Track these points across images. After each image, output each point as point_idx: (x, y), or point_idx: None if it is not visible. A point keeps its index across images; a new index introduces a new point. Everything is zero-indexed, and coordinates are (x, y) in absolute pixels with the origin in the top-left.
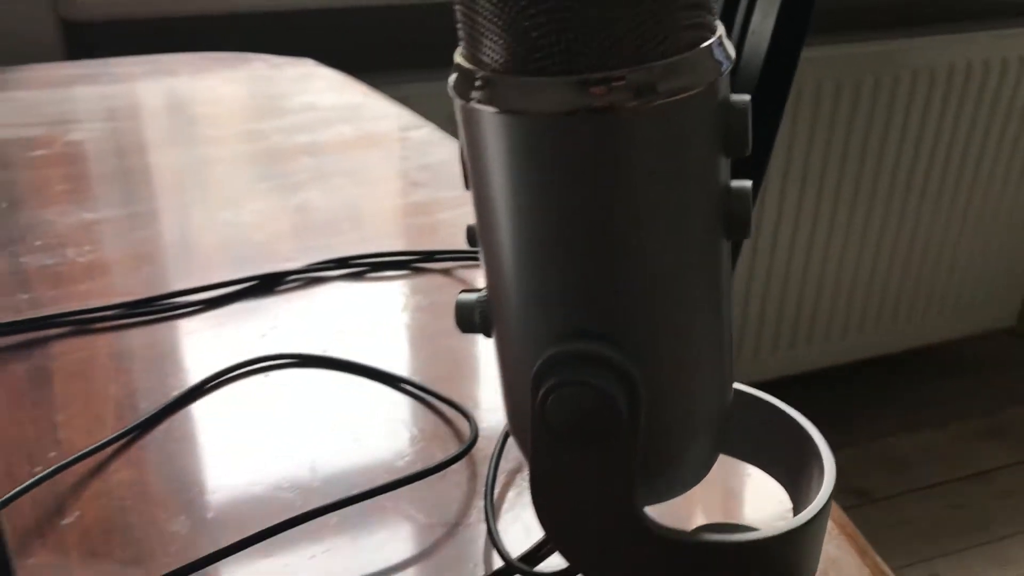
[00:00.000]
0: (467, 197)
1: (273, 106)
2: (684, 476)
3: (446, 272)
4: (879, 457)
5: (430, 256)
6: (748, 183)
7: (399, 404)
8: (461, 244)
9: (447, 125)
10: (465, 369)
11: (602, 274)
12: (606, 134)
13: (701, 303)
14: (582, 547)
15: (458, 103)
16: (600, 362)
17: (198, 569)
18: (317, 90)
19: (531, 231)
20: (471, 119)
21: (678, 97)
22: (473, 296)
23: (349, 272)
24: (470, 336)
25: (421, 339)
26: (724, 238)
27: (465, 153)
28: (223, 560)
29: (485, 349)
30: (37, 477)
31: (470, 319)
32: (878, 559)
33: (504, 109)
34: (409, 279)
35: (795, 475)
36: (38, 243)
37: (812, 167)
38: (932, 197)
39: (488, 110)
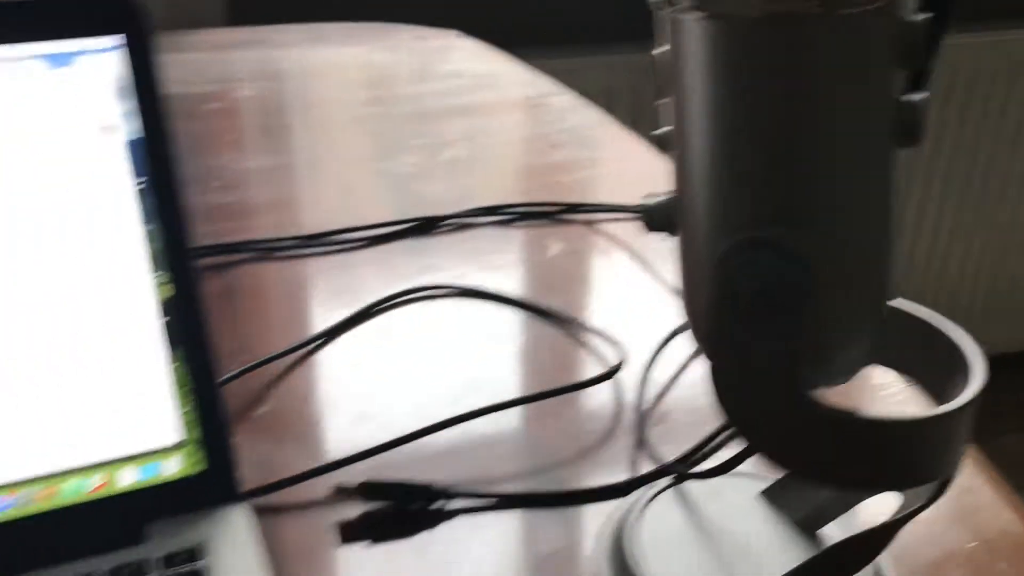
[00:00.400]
0: (603, 158)
1: (422, 72)
2: (842, 366)
3: (588, 224)
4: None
5: (574, 208)
6: (921, 95)
7: (549, 334)
8: (602, 200)
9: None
10: (609, 307)
11: (786, 167)
12: (795, 39)
13: (873, 202)
14: (755, 425)
15: (664, 13)
16: (780, 246)
17: (370, 456)
18: (461, 59)
19: (724, 127)
20: (675, 27)
21: (864, 8)
22: (658, 199)
23: (498, 219)
24: (613, 277)
25: (567, 280)
26: (896, 145)
27: (662, 63)
28: (392, 450)
29: (628, 287)
30: (238, 371)
31: (655, 219)
32: (1010, 490)
33: (708, 14)
34: (553, 228)
35: (942, 382)
36: (216, 184)
37: (943, 158)
38: None
39: (692, 17)
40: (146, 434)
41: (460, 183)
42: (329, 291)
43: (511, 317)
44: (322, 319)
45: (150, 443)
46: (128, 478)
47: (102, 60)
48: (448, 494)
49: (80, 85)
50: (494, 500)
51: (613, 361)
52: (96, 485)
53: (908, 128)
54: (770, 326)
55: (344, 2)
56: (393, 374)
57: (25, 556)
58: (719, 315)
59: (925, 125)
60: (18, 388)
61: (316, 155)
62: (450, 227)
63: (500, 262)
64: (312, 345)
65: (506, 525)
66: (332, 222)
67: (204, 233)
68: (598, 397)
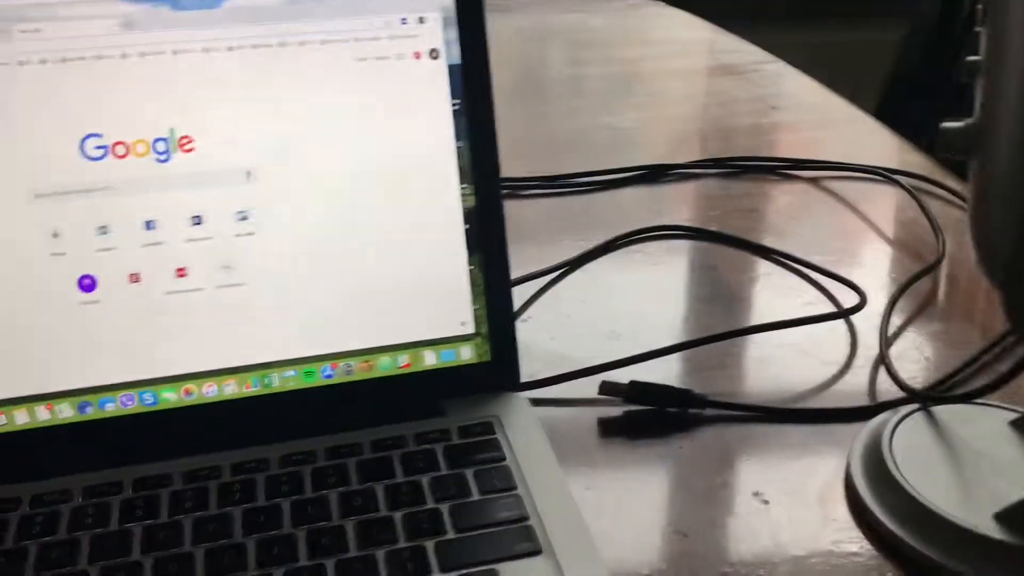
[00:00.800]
0: (822, 120)
1: (635, 38)
2: None
3: (812, 180)
4: None
5: (798, 164)
6: None
7: (784, 276)
8: (823, 157)
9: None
10: (841, 255)
11: None
12: None
13: None
14: None
15: None
16: None
17: (629, 364)
18: (671, 26)
19: None
20: None
21: None
22: (959, 123)
23: (723, 171)
24: (841, 228)
25: (797, 228)
26: None
27: None
28: (646, 361)
29: (858, 239)
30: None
31: (954, 141)
32: None
33: None
34: (776, 183)
35: None
36: None
37: None
38: None
39: None
40: (445, 324)
41: (684, 138)
42: (572, 226)
43: (745, 259)
44: (567, 250)
45: (448, 332)
46: (429, 360)
47: None
48: (706, 402)
49: (415, 11)
50: (747, 412)
51: (847, 304)
52: (404, 363)
53: None
54: None
55: None
56: (638, 300)
57: (348, 417)
58: None
59: None
60: (345, 276)
61: (546, 109)
62: (677, 176)
63: (727, 210)
64: (564, 269)
65: (757, 435)
66: (567, 167)
67: None
68: (837, 333)
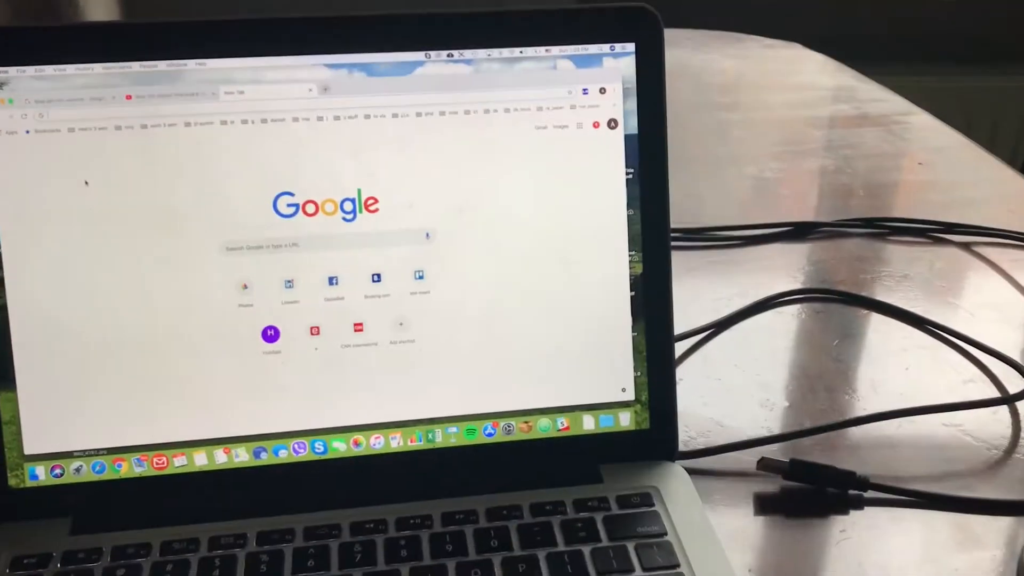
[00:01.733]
0: (972, 180)
1: (772, 82)
2: None
3: (964, 246)
4: None
5: (950, 228)
6: None
7: (939, 349)
8: (978, 222)
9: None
10: (998, 332)
11: None
12: None
13: None
14: None
15: None
16: None
17: (788, 439)
18: (809, 71)
19: None
20: None
21: None
22: None
23: (872, 232)
24: (1000, 302)
25: (951, 297)
26: None
27: None
28: (805, 437)
29: (1016, 312)
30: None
31: None
32: None
33: None
34: (927, 247)
35: None
36: None
37: None
38: None
39: None
40: (606, 390)
41: (827, 192)
42: (712, 284)
43: (897, 328)
44: (709, 308)
45: (608, 397)
46: (588, 424)
47: (618, 63)
48: (868, 484)
49: (597, 83)
50: (911, 497)
51: (1007, 386)
52: (563, 426)
53: None
54: None
55: (690, 11)
56: (789, 367)
57: (507, 477)
58: None
59: None
60: (512, 337)
61: (684, 156)
62: (824, 234)
63: (878, 273)
64: (710, 331)
65: (921, 523)
66: (709, 219)
67: None
68: (1001, 416)
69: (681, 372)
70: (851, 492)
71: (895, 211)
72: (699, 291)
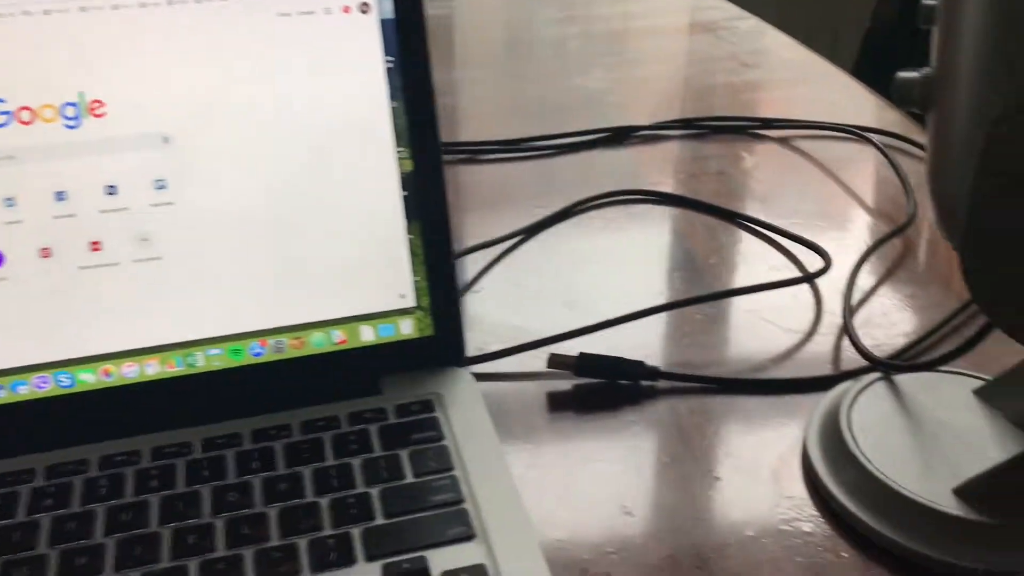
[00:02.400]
0: (795, 78)
1: None
2: None
3: (782, 140)
4: None
5: (768, 123)
6: None
7: (748, 240)
8: (796, 116)
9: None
10: (807, 218)
11: None
12: None
13: None
14: (1013, 306)
15: None
16: None
17: (580, 335)
18: None
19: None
20: None
21: None
22: (915, 73)
23: (691, 133)
24: (809, 190)
25: (763, 190)
26: None
27: None
28: (599, 332)
29: (826, 201)
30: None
31: (910, 92)
32: None
33: None
34: (746, 143)
35: None
36: None
37: None
38: None
39: None
40: (384, 297)
41: (653, 98)
42: (531, 192)
43: (709, 223)
44: (527, 216)
45: (386, 305)
46: (367, 335)
47: None
48: (659, 373)
49: None
50: (702, 383)
51: (814, 268)
52: (339, 339)
53: None
54: None
55: None
56: (595, 268)
57: (278, 397)
58: (984, 189)
59: None
60: (274, 247)
61: (513, 69)
62: (643, 138)
63: (693, 172)
64: (519, 237)
65: (713, 407)
66: (530, 130)
67: None
68: (801, 299)
69: (485, 282)
70: (643, 383)
71: (720, 112)
72: (515, 201)
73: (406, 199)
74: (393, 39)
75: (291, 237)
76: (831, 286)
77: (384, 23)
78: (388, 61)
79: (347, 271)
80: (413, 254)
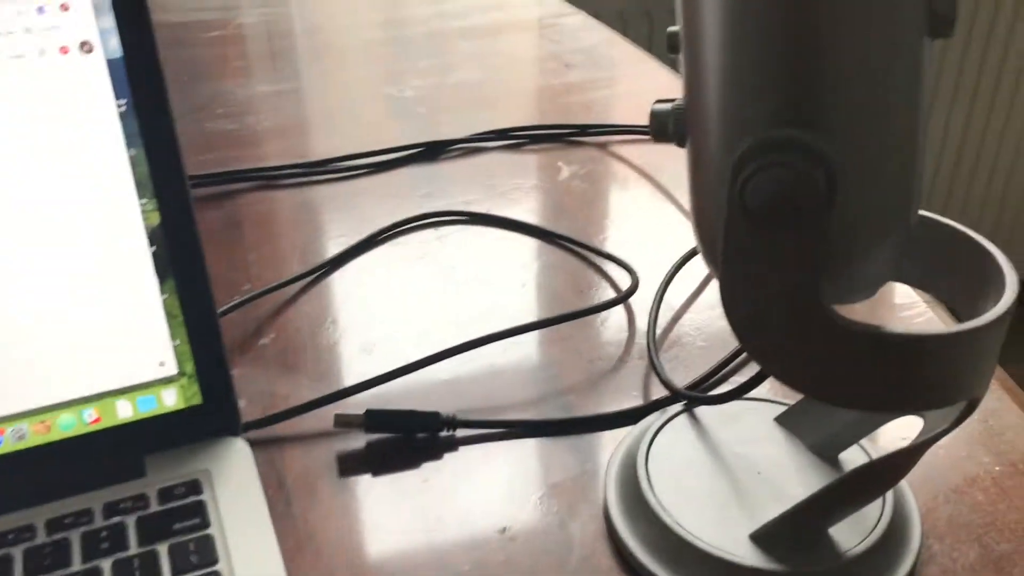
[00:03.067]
0: (618, 77)
1: None
2: (865, 280)
3: (601, 146)
4: None
5: (584, 129)
6: None
7: (560, 259)
8: (617, 121)
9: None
10: (621, 231)
11: (808, 59)
12: None
13: (901, 97)
14: (772, 348)
15: None
16: (800, 147)
17: (373, 386)
18: None
19: (738, 16)
20: None
21: None
22: (668, 105)
23: (508, 143)
24: (626, 200)
25: (579, 204)
26: (927, 35)
27: None
28: (397, 379)
29: (641, 212)
30: (239, 301)
31: (664, 127)
32: None
33: None
34: (565, 151)
35: (971, 299)
36: (220, 111)
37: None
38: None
39: None
40: (140, 366)
41: (469, 107)
42: (334, 219)
43: (520, 242)
44: (327, 248)
45: (144, 376)
46: (124, 411)
47: None
48: (454, 423)
49: (56, 4)
50: (502, 429)
51: (625, 286)
52: (92, 419)
53: (941, 15)
54: (789, 235)
55: None
56: (399, 303)
57: (24, 491)
58: (733, 225)
59: (957, 12)
60: (6, 320)
61: (322, 80)
62: (458, 152)
63: (509, 187)
64: (315, 275)
65: (514, 454)
66: (337, 149)
67: (207, 161)
68: (611, 322)
69: (275, 329)
70: (443, 434)
71: (539, 118)
72: (315, 230)
73: (155, 255)
74: (123, 80)
75: (27, 308)
76: (644, 306)
77: (111, 63)
78: (120, 105)
79: (95, 341)
80: (170, 315)
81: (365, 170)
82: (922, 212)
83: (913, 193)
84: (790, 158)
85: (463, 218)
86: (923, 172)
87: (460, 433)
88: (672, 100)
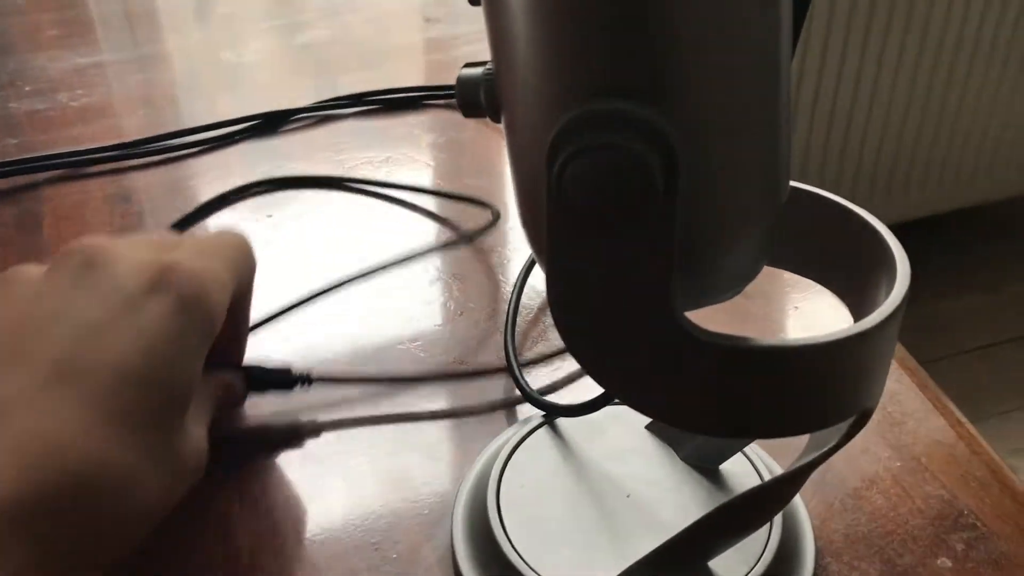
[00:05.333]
0: (483, 31)
1: None
2: (726, 278)
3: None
4: (922, 320)
5: (437, 91)
6: None
7: (410, 212)
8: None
9: None
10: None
11: (634, 14)
12: None
13: (756, 59)
14: (611, 363)
15: None
16: (629, 122)
17: None
18: None
19: None
20: None
21: None
22: (478, 70)
23: (360, 110)
24: (493, 172)
25: (438, 174)
26: None
27: None
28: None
29: (505, 184)
30: None
31: (474, 97)
32: (939, 391)
33: None
34: (422, 114)
35: (858, 284)
36: (28, 88)
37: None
38: (985, 47)
39: None
40: None
41: (318, 70)
42: (155, 206)
43: (372, 206)
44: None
45: None
46: None
47: None
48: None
49: None
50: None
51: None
52: None
53: None
54: (626, 230)
55: None
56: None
57: None
58: (555, 222)
59: None
60: None
61: (150, 50)
62: (304, 122)
63: (360, 160)
64: None
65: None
66: (163, 127)
67: (5, 149)
68: (469, 318)
69: None
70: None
71: (397, 79)
72: (133, 224)
73: None
74: None
75: None
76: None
77: None
78: None
79: None
80: None
81: (196, 148)
82: (794, 183)
83: (781, 168)
84: (614, 138)
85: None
86: (788, 152)
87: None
88: (484, 63)
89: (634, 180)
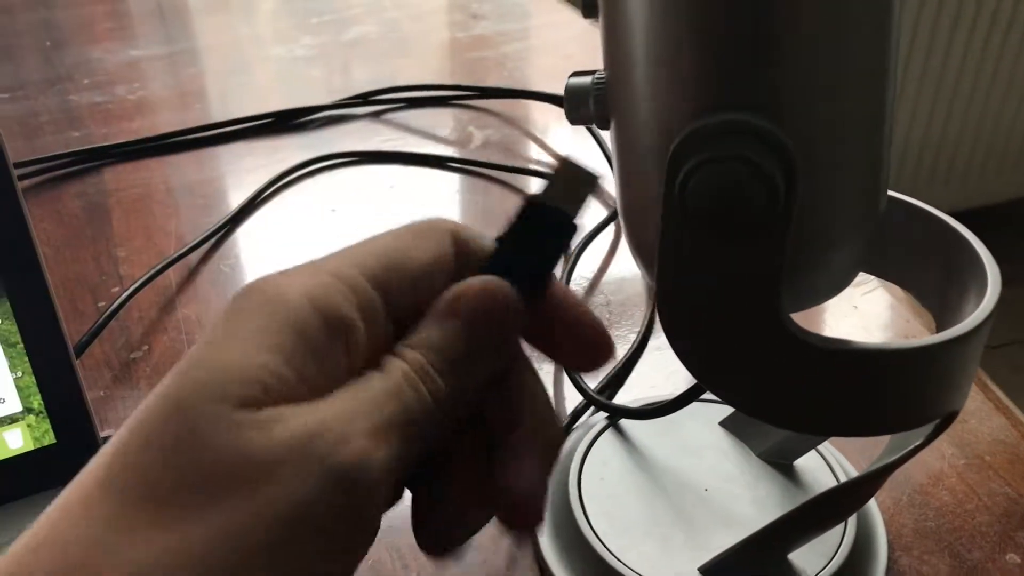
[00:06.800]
0: (532, 30)
1: None
2: (827, 282)
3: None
4: None
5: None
6: None
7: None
8: (534, 74)
9: None
10: None
11: (753, 33)
12: None
13: (866, 75)
14: (713, 359)
15: None
16: (752, 134)
17: None
18: None
19: None
20: None
21: None
22: (586, 79)
23: (377, 110)
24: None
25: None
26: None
27: None
28: None
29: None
30: (106, 313)
31: (583, 106)
32: (998, 390)
33: None
34: (446, 111)
35: (941, 288)
36: (86, 81)
37: None
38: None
39: None
40: None
41: (364, 65)
42: (208, 195)
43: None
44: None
45: None
46: None
47: None
48: None
49: None
50: None
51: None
52: None
53: None
54: (746, 236)
55: None
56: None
57: None
58: (671, 230)
59: None
60: None
61: (202, 43)
62: (321, 121)
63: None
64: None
65: None
66: (217, 118)
67: (68, 140)
68: None
69: (147, 337)
70: None
71: (443, 75)
72: (190, 214)
73: None
74: None
75: None
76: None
77: None
78: None
79: None
80: (6, 343)
81: (211, 141)
82: (892, 194)
83: (879, 184)
84: (741, 150)
85: (356, 159)
86: (888, 163)
87: None
88: (592, 72)
89: (760, 190)
